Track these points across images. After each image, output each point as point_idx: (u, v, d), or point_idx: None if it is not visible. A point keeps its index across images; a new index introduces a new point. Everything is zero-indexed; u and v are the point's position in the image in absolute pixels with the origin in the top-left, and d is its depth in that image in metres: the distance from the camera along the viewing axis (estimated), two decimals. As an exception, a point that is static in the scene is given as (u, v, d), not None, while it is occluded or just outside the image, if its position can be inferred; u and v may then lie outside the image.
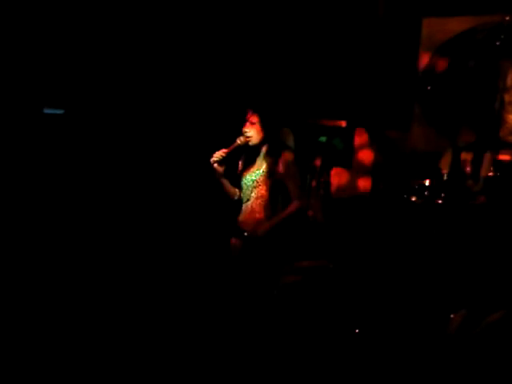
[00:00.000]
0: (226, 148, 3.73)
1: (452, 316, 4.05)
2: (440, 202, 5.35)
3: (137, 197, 5.76)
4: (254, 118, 3.71)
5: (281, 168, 3.69)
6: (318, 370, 3.81)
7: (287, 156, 3.76)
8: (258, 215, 3.74)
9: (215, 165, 3.69)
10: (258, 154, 3.77)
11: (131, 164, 5.78)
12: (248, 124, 3.72)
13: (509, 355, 3.51)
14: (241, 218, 3.84)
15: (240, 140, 3.71)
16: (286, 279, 5.20)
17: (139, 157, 5.80)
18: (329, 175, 6.67)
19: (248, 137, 3.71)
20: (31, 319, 4.22)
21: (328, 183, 6.66)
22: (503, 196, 5.08)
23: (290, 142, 6.24)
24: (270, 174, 3.70)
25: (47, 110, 5.62)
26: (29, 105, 5.52)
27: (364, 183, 6.56)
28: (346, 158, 6.60)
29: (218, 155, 3.69)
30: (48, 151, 5.55)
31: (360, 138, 6.59)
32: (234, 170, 3.86)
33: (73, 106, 5.71)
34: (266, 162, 3.72)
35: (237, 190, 3.89)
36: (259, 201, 3.74)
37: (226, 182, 3.84)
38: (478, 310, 4.02)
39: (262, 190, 3.73)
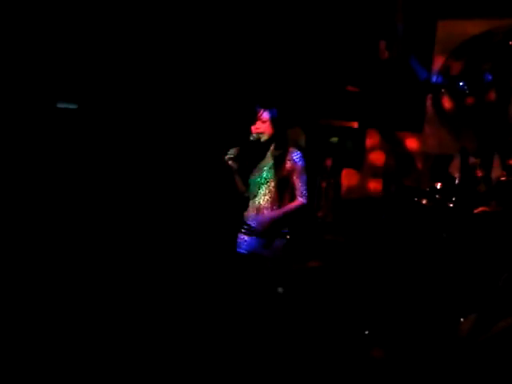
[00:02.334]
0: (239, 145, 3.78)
1: (462, 320, 4.04)
2: (451, 205, 5.34)
3: (147, 191, 5.76)
4: (265, 116, 3.76)
5: (288, 165, 3.73)
6: (326, 371, 3.81)
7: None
8: (265, 212, 3.77)
9: (230, 162, 3.77)
10: (266, 152, 3.82)
11: (142, 159, 5.78)
12: (259, 121, 3.77)
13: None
14: (248, 214, 3.86)
15: (252, 137, 3.78)
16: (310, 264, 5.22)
17: (151, 152, 5.81)
18: (339, 176, 6.68)
19: (259, 133, 3.76)
20: (31, 319, 4.21)
21: (338, 184, 6.67)
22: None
23: (302, 141, 6.28)
24: (277, 171, 3.75)
25: (60, 105, 5.63)
26: (42, 99, 5.53)
27: (374, 185, 6.56)
28: (357, 160, 6.60)
29: (232, 152, 3.76)
30: (61, 146, 5.55)
31: (372, 140, 6.59)
32: (242, 168, 3.87)
33: (86, 100, 5.72)
34: (274, 159, 3.77)
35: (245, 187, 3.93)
36: (266, 197, 3.79)
37: (238, 179, 3.89)
38: (488, 314, 4.00)
39: (270, 186, 3.78)
